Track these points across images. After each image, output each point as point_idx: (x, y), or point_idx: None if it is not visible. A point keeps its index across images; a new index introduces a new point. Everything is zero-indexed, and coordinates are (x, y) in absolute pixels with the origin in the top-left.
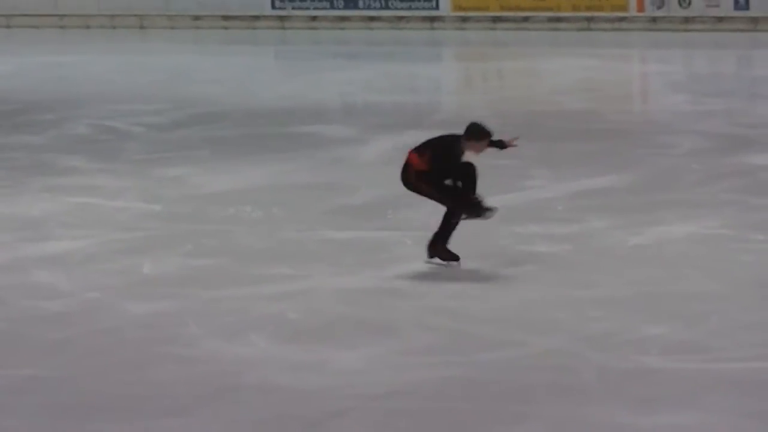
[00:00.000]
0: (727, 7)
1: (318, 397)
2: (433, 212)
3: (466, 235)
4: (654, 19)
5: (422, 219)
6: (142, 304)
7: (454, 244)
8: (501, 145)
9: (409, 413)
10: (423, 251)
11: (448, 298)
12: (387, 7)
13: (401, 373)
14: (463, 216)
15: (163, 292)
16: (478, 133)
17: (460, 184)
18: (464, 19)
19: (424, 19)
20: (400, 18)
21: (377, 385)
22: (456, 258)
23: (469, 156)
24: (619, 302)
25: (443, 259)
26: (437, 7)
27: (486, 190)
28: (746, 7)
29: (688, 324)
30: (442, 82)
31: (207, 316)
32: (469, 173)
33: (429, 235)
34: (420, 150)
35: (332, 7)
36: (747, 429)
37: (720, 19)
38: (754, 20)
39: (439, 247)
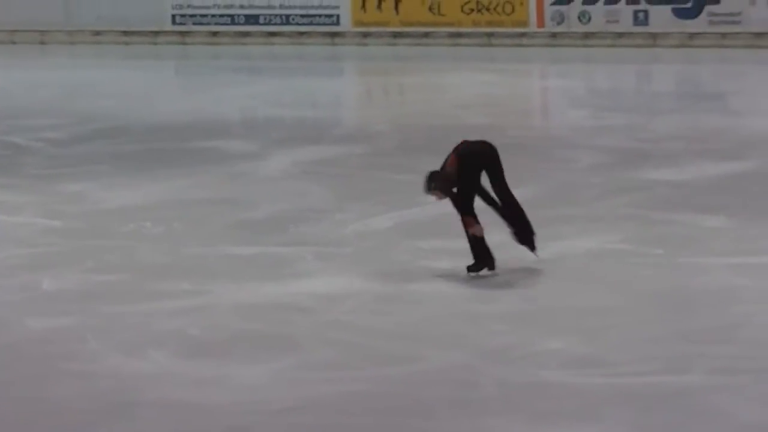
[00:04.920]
0: (626, 23)
1: (219, 412)
2: (334, 227)
3: (367, 250)
4: (554, 35)
5: (323, 234)
6: (41, 319)
7: (342, 257)
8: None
9: (310, 428)
10: (324, 266)
11: (349, 313)
12: (288, 23)
13: (302, 388)
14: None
15: (63, 307)
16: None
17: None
18: (365, 35)
19: (325, 34)
20: (301, 33)
21: (278, 401)
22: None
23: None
24: (519, 316)
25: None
26: (338, 23)
27: (387, 206)
28: (645, 22)
29: (587, 338)
30: (344, 96)
31: (107, 331)
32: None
33: (330, 250)
34: None
35: (233, 23)
36: None
37: (620, 35)
38: (653, 36)
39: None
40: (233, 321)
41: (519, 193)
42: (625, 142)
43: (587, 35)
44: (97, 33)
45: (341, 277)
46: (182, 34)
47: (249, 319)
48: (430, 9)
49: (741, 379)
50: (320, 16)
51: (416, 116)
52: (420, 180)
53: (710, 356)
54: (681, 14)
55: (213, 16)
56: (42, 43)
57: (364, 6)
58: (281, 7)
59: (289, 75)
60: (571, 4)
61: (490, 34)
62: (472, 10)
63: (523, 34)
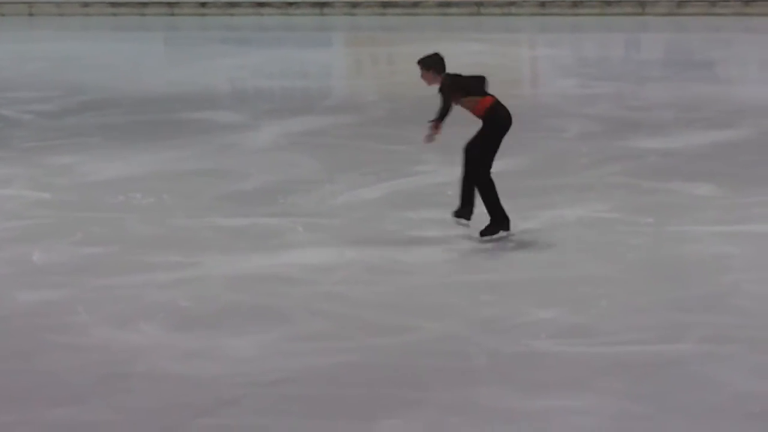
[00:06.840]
0: None
1: (209, 384)
2: (324, 198)
3: (357, 221)
4: (543, 4)
5: (313, 205)
6: (31, 292)
7: (332, 228)
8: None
9: (300, 399)
10: (314, 237)
11: (339, 284)
12: None
13: (293, 360)
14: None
15: (53, 280)
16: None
17: None
18: (354, 5)
19: (314, 4)
20: (290, 4)
21: (269, 372)
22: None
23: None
24: (510, 286)
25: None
26: None
27: (377, 176)
28: None
29: (578, 308)
30: (333, 67)
31: (97, 304)
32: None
33: (320, 221)
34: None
35: None
36: (636, 412)
37: (608, 3)
38: (642, 4)
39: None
40: (223, 293)
41: (508, 162)
42: (615, 110)
43: (576, 4)
44: (86, 5)
45: (331, 248)
46: (170, 5)
47: (239, 291)
48: None
49: (733, 348)
50: None
51: (405, 86)
52: (410, 151)
53: (701, 325)
54: None
55: None
56: (30, 14)
57: None
58: None
59: (277, 46)
60: None
61: (479, 4)
62: None
63: (512, 3)
